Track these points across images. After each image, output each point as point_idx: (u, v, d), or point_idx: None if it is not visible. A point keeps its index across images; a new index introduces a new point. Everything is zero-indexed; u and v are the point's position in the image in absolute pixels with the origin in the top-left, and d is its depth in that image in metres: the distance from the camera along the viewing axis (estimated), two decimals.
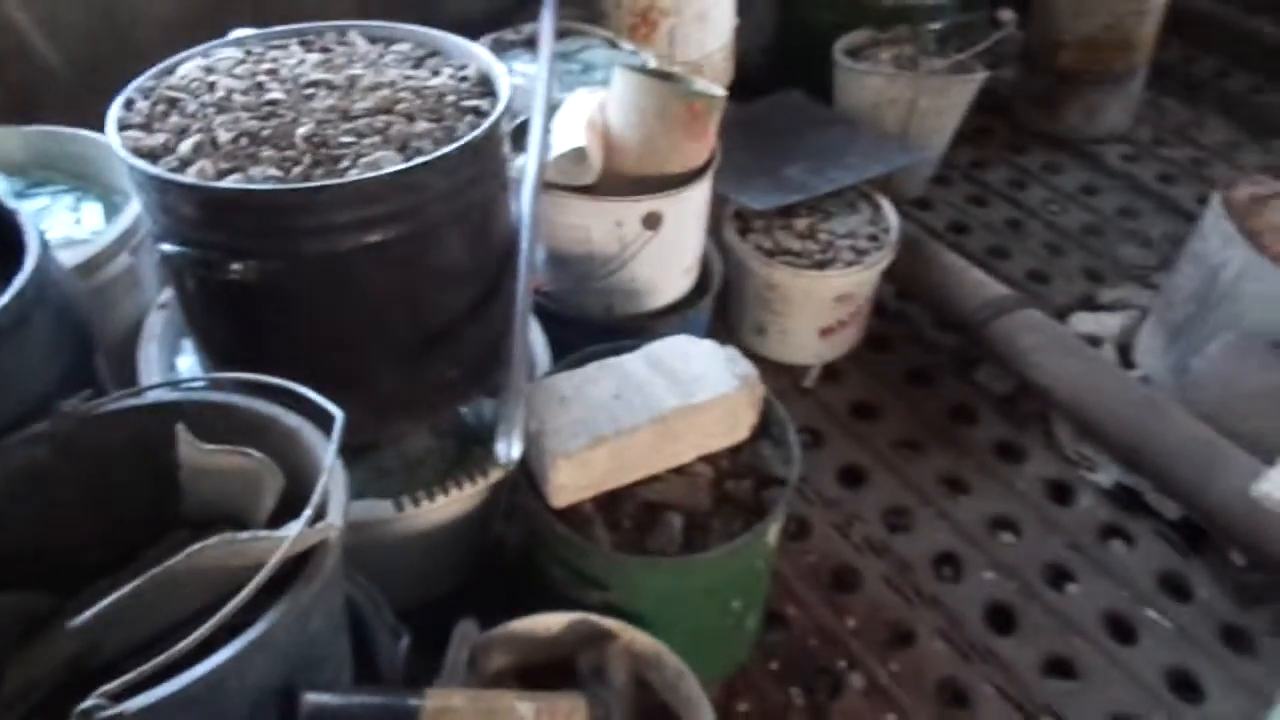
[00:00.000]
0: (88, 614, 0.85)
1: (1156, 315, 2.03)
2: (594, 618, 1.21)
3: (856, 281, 1.93)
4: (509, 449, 1.17)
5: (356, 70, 1.27)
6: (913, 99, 2.34)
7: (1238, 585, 1.65)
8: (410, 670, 1.11)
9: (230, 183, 1.08)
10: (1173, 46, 3.08)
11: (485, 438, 1.22)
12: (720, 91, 1.60)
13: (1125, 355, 2.05)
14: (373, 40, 1.37)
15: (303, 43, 1.36)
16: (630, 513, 1.30)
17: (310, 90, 1.23)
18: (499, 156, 1.25)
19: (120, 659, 0.87)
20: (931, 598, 1.63)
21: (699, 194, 1.67)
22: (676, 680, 1.19)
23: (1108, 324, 2.15)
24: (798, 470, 1.33)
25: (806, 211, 2.03)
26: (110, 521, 1.02)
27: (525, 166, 1.46)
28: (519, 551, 1.50)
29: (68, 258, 1.35)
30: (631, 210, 1.59)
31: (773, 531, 1.33)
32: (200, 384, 1.14)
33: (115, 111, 1.18)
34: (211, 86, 1.24)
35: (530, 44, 1.94)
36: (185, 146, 1.13)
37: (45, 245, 1.07)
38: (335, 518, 0.88)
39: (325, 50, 1.33)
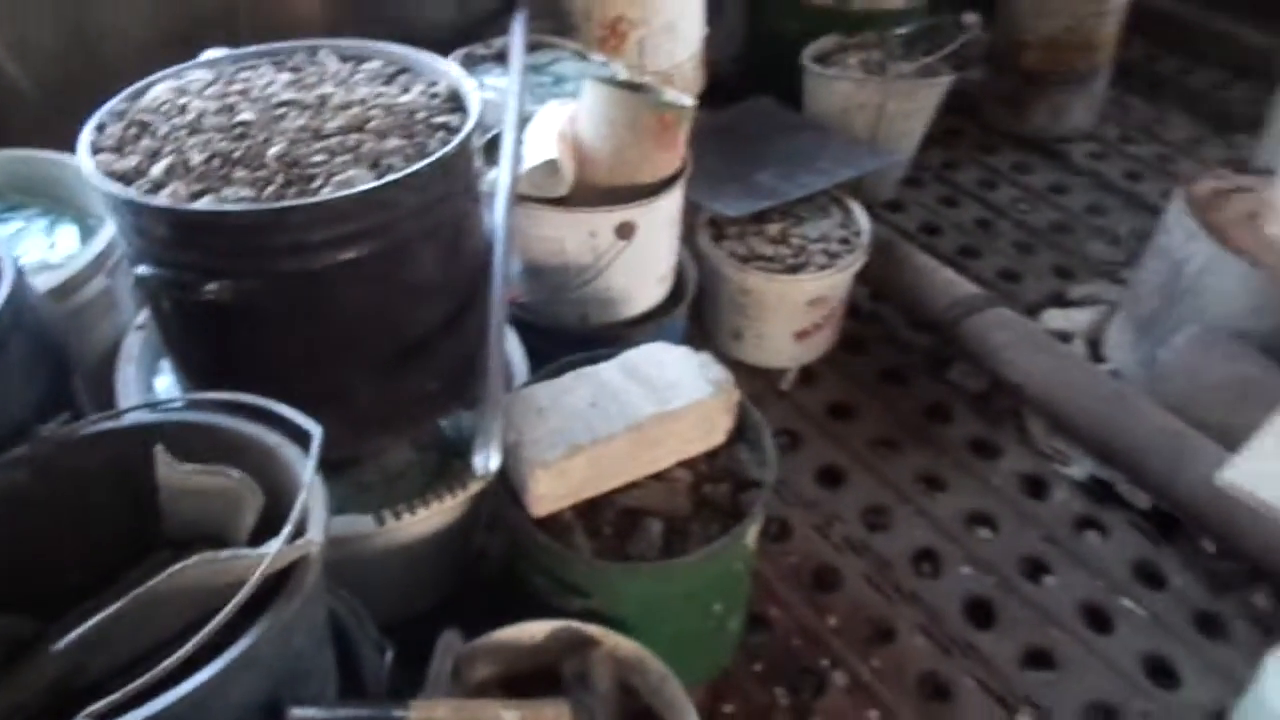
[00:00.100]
0: (71, 636, 0.86)
1: (1125, 310, 2.07)
2: (577, 625, 1.22)
3: (829, 285, 1.96)
4: (486, 460, 1.18)
5: (327, 89, 1.28)
6: (881, 103, 2.38)
7: (1209, 572, 1.68)
8: (395, 683, 1.12)
9: (203, 204, 1.09)
10: (1136, 45, 3.13)
11: (465, 450, 1.24)
12: (689, 101, 1.62)
13: (1096, 350, 2.09)
14: (344, 58, 1.38)
15: (274, 63, 1.37)
16: (610, 520, 1.31)
17: (281, 110, 1.24)
18: (471, 171, 1.26)
19: (105, 680, 0.87)
20: (911, 594, 1.66)
21: (671, 203, 1.69)
22: (660, 684, 1.20)
23: (1077, 320, 2.18)
24: (774, 472, 1.35)
25: (779, 217, 2.05)
26: (91, 544, 1.03)
27: (498, 180, 1.47)
28: (502, 563, 1.51)
29: (43, 282, 1.36)
30: (604, 220, 1.61)
31: (751, 534, 1.34)
32: (178, 404, 1.14)
33: (87, 135, 1.19)
34: (183, 108, 1.25)
35: (501, 58, 1.95)
36: (157, 169, 1.14)
37: (20, 270, 1.08)
38: (315, 533, 0.89)
39: (296, 70, 1.34)
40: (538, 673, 1.22)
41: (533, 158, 1.56)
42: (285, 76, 1.32)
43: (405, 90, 1.31)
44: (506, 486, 1.30)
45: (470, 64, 1.99)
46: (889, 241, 2.19)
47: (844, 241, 2.02)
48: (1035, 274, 2.41)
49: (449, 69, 1.34)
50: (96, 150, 1.18)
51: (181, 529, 1.01)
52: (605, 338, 1.61)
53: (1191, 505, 1.64)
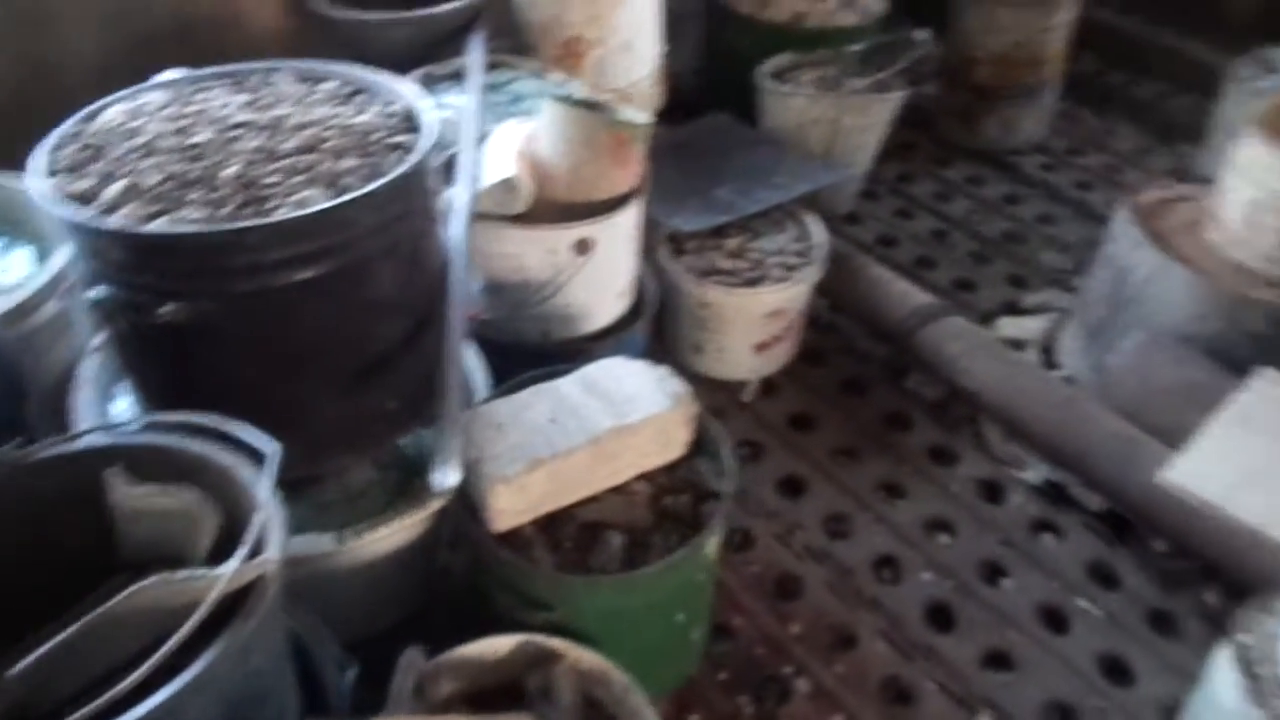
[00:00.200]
0: (28, 660, 0.85)
1: (1076, 317, 2.12)
2: (540, 638, 1.23)
3: (787, 297, 1.99)
4: (445, 476, 1.19)
5: (283, 110, 1.29)
6: (836, 118, 2.42)
7: (1162, 572, 1.72)
8: (359, 702, 1.12)
9: (159, 226, 1.09)
10: (1086, 60, 3.21)
11: (426, 468, 1.24)
12: (645, 119, 1.64)
13: (1049, 356, 2.13)
14: (301, 79, 1.39)
15: (231, 84, 1.37)
16: (571, 534, 1.32)
17: (237, 131, 1.24)
18: (427, 190, 1.27)
19: (63, 706, 0.87)
20: (872, 600, 1.68)
21: (629, 219, 1.71)
22: (624, 696, 1.21)
23: (1030, 327, 2.23)
24: (734, 483, 1.36)
25: (736, 231, 2.08)
26: (49, 569, 1.02)
27: (456, 197, 1.49)
28: (465, 579, 1.52)
29: None
30: (563, 237, 1.63)
31: (712, 544, 1.36)
32: (134, 427, 1.14)
33: (40, 158, 1.18)
34: (137, 130, 1.24)
35: (459, 78, 1.97)
36: (112, 191, 1.14)
37: None
38: (272, 552, 0.89)
39: (252, 90, 1.35)
40: (501, 688, 1.23)
41: (491, 175, 1.58)
42: (241, 98, 1.32)
43: (361, 111, 1.32)
44: (467, 503, 1.30)
45: (429, 83, 2.00)
46: (846, 254, 2.23)
47: (800, 254, 2.05)
48: (989, 283, 2.46)
49: (406, 89, 1.35)
50: (51, 173, 1.18)
51: (139, 551, 1.01)
52: (566, 353, 1.63)
53: (1143, 506, 1.68)
